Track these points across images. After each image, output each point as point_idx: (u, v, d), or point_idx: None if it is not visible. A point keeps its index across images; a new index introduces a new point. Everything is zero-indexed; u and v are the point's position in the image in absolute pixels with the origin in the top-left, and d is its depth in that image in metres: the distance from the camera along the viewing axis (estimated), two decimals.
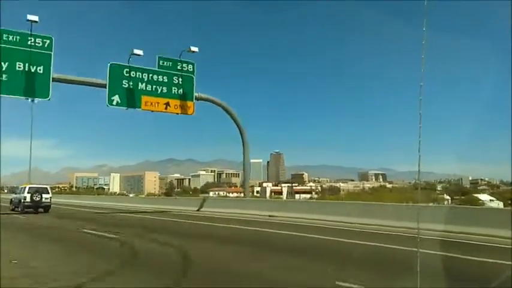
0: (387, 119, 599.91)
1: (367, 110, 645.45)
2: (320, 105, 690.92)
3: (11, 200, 28.38)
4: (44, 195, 26.05)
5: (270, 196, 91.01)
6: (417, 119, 3.34)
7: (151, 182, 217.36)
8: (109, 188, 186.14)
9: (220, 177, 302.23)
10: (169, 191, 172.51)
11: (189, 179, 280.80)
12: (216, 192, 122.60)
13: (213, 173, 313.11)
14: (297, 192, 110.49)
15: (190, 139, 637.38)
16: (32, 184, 27.92)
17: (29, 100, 22.31)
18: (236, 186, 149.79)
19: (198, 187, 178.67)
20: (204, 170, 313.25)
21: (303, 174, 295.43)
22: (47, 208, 25.95)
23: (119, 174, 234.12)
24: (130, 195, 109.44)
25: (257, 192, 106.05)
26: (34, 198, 25.56)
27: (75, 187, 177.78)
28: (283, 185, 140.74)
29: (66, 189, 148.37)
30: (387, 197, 55.24)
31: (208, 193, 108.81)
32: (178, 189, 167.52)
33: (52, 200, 27.02)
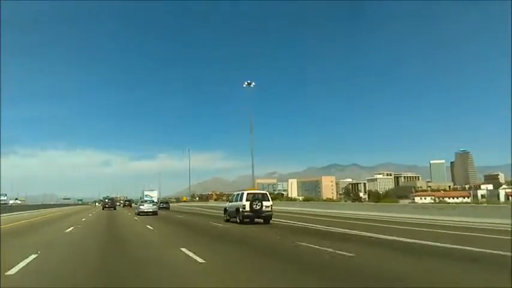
0: None
1: None
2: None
3: (225, 209, 23.45)
4: (264, 203, 19.85)
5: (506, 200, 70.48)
6: None
7: (329, 186, 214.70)
8: (287, 194, 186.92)
9: (398, 180, 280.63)
10: (347, 195, 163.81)
11: (364, 183, 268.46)
12: (423, 197, 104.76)
13: (389, 177, 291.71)
14: None
15: (353, 144, 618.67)
16: (249, 190, 22.39)
17: None
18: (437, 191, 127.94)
19: (375, 191, 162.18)
20: (380, 174, 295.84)
21: (497, 174, 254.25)
22: (267, 219, 19.64)
23: (295, 180, 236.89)
24: (344, 201, 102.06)
25: (482, 196, 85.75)
26: (254, 206, 19.55)
27: None
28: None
29: None
30: None
31: (409, 197, 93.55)
32: (361, 195, 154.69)
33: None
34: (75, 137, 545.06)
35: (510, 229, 14.50)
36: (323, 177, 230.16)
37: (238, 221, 20.18)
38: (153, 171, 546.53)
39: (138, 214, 33.44)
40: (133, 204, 70.48)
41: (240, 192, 21.57)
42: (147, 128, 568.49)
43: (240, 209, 19.91)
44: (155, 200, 70.03)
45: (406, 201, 57.01)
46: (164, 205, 56.70)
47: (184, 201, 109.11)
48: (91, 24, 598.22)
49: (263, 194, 21.25)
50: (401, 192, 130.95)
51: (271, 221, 20.15)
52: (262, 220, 20.08)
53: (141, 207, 34.78)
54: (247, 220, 19.73)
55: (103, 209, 56.74)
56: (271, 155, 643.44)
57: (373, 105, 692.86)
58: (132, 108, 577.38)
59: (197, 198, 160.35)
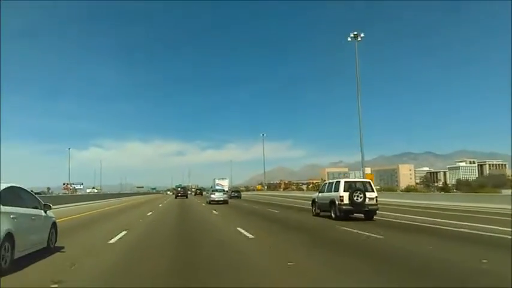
0: None
1: None
2: None
3: (314, 200, 19.82)
4: (367, 194, 16.05)
5: None
6: None
7: (407, 175, 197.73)
8: None
9: (482, 168, 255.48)
10: (425, 184, 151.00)
11: (444, 172, 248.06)
12: None
13: (473, 165, 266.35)
14: None
15: (427, 131, 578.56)
16: (346, 179, 18.69)
17: None
18: None
19: (464, 180, 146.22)
20: (462, 162, 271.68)
21: None
22: (371, 214, 15.91)
23: (369, 168, 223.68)
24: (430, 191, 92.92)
25: None
26: (355, 198, 15.82)
27: None
28: None
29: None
30: None
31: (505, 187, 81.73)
32: (451, 184, 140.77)
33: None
34: (150, 129, 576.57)
35: None
36: (400, 165, 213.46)
37: (333, 215, 16.69)
38: (222, 161, 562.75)
39: (209, 203, 33.32)
40: (204, 193, 73.87)
41: (335, 180, 18.04)
42: (218, 118, 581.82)
43: (336, 202, 16.37)
44: (226, 189, 70.76)
45: (508, 191, 49.08)
46: (235, 194, 56.24)
47: (259, 190, 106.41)
48: (172, 23, 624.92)
49: (365, 182, 17.44)
50: (494, 180, 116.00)
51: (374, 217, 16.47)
52: (362, 215, 16.35)
53: (212, 196, 34.79)
54: (344, 215, 16.08)
55: (175, 198, 57.56)
56: (335, 143, 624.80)
57: (447, 90, 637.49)
58: (205, 100, 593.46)
59: (265, 187, 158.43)
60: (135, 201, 47.21)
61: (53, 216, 8.62)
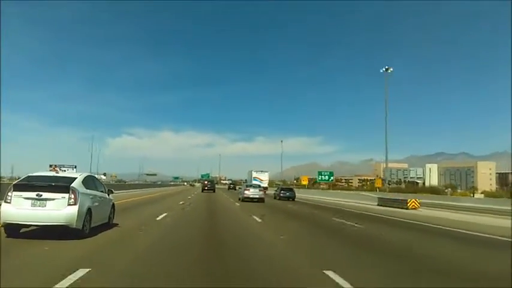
0: None
1: None
2: None
3: None
4: None
5: None
6: None
7: (486, 175, 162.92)
8: (424, 182, 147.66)
9: None
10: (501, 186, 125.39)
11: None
12: None
13: None
14: None
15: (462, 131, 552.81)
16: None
17: None
18: None
19: None
20: None
21: None
22: None
23: (435, 165, 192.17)
24: None
25: None
26: None
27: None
28: None
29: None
30: None
31: None
32: None
33: None
34: (182, 121, 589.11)
35: None
36: (479, 162, 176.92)
37: None
38: (251, 153, 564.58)
39: (242, 200, 29.18)
40: (237, 187, 66.54)
41: None
42: (247, 111, 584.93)
43: None
44: (265, 185, 62.20)
45: None
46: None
47: (301, 184, 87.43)
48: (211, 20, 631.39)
49: None
50: None
51: None
52: None
53: (245, 192, 29.95)
54: None
55: (202, 191, 54.27)
56: (366, 142, 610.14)
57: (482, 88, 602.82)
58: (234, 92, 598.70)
59: (295, 182, 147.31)
60: (162, 193, 44.91)
61: (112, 199, 11.25)
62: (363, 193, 54.50)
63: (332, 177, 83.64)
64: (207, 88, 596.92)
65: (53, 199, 7.92)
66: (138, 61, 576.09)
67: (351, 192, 69.70)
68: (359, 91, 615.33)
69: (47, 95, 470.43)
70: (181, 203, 25.22)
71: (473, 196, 77.34)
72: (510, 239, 11.53)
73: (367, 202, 34.14)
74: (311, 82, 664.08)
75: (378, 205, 30.18)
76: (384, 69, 44.29)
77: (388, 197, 33.32)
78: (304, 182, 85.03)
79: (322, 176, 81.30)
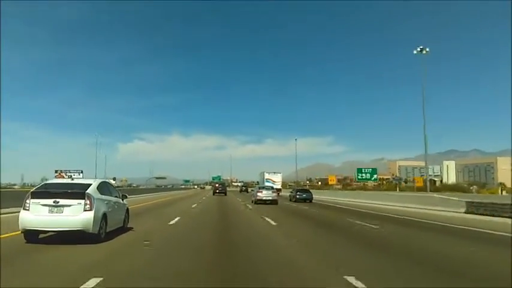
0: None
1: None
2: None
3: None
4: None
5: None
6: None
7: (506, 171, 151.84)
8: (441, 180, 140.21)
9: None
10: None
11: None
12: None
13: None
14: None
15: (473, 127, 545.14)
16: None
17: None
18: None
19: None
20: None
21: None
22: None
23: (453, 162, 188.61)
24: None
25: None
26: None
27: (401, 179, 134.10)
28: None
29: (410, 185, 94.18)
30: None
31: None
32: None
33: None
34: (190, 124, 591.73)
35: None
36: (499, 158, 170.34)
37: None
38: (260, 155, 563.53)
39: (255, 203, 28.95)
40: (249, 190, 65.39)
41: None
42: (258, 112, 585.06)
43: None
44: (279, 186, 61.01)
45: None
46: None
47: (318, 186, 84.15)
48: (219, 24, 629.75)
49: None
50: None
51: None
52: None
53: (258, 194, 29.71)
54: None
55: (213, 194, 53.47)
56: (376, 140, 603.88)
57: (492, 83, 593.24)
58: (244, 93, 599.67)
59: (308, 183, 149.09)
60: (172, 197, 45.43)
61: (127, 203, 11.42)
62: (409, 193, 44.88)
63: (375, 175, 72.54)
64: (210, 91, 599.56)
65: (70, 205, 8.24)
66: (138, 63, 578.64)
67: (393, 193, 50.85)
68: (360, 91, 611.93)
69: (50, 101, 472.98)
70: (193, 206, 26.22)
71: (501, 193, 75.44)
72: None
73: (425, 207, 23.81)
74: (315, 83, 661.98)
75: (467, 212, 19.92)
76: (419, 50, 38.52)
77: (488, 201, 20.07)
78: (332, 182, 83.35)
79: (363, 174, 71.32)
